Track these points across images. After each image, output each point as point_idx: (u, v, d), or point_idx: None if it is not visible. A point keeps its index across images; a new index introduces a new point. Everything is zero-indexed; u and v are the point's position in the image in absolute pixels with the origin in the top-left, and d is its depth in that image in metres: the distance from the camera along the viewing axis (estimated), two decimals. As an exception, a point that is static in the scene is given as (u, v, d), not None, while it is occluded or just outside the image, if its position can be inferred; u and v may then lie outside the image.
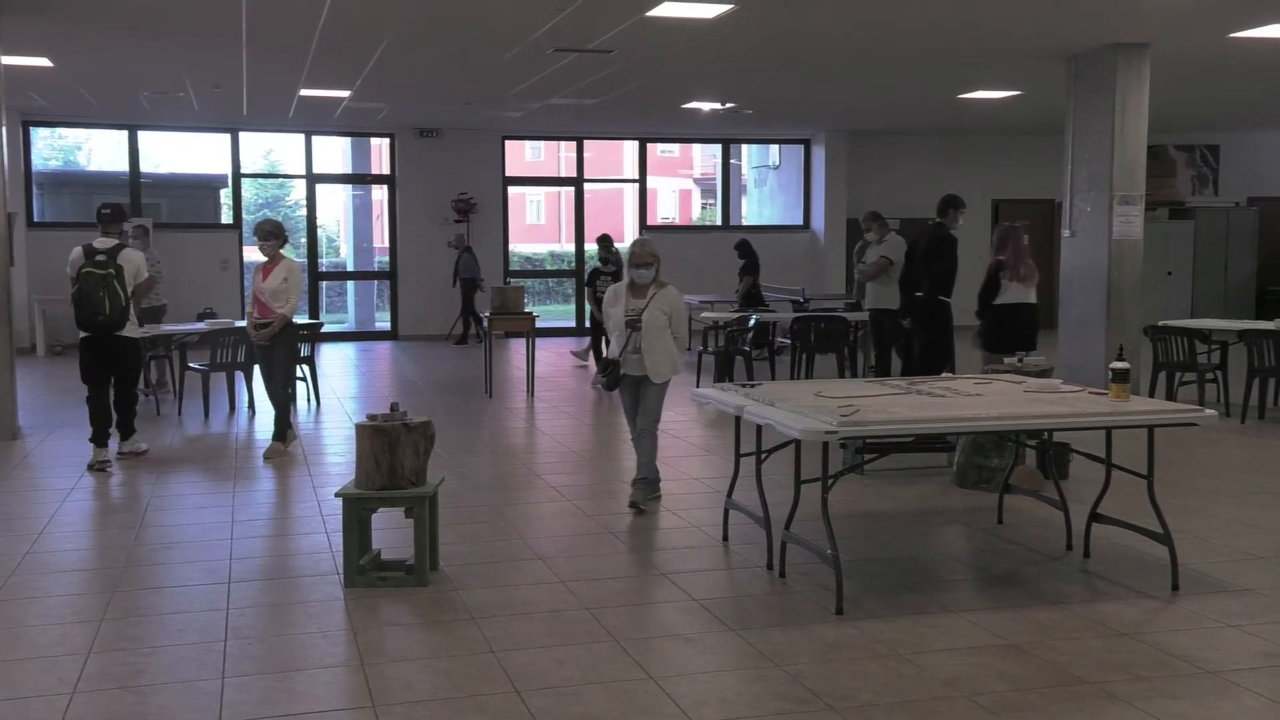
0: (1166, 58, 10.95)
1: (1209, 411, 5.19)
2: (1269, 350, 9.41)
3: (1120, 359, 5.32)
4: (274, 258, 8.11)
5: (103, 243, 7.80)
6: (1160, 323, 10.55)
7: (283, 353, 8.21)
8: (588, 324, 15.49)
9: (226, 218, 17.80)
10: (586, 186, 19.07)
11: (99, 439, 7.82)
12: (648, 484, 6.58)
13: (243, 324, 9.56)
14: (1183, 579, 5.05)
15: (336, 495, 5.26)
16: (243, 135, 17.27)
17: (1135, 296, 10.93)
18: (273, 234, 8.10)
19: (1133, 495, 5.46)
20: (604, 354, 9.62)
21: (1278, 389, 10.02)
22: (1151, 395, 9.89)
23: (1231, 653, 4.28)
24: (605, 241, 14.58)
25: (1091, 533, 5.57)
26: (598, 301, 11.55)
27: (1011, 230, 8.84)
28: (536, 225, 33.58)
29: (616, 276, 11.53)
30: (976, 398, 5.32)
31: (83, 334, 7.81)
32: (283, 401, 8.30)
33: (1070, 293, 11.39)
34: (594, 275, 12.84)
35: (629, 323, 6.36)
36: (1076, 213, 11.25)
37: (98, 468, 7.72)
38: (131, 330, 7.83)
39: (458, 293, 16.96)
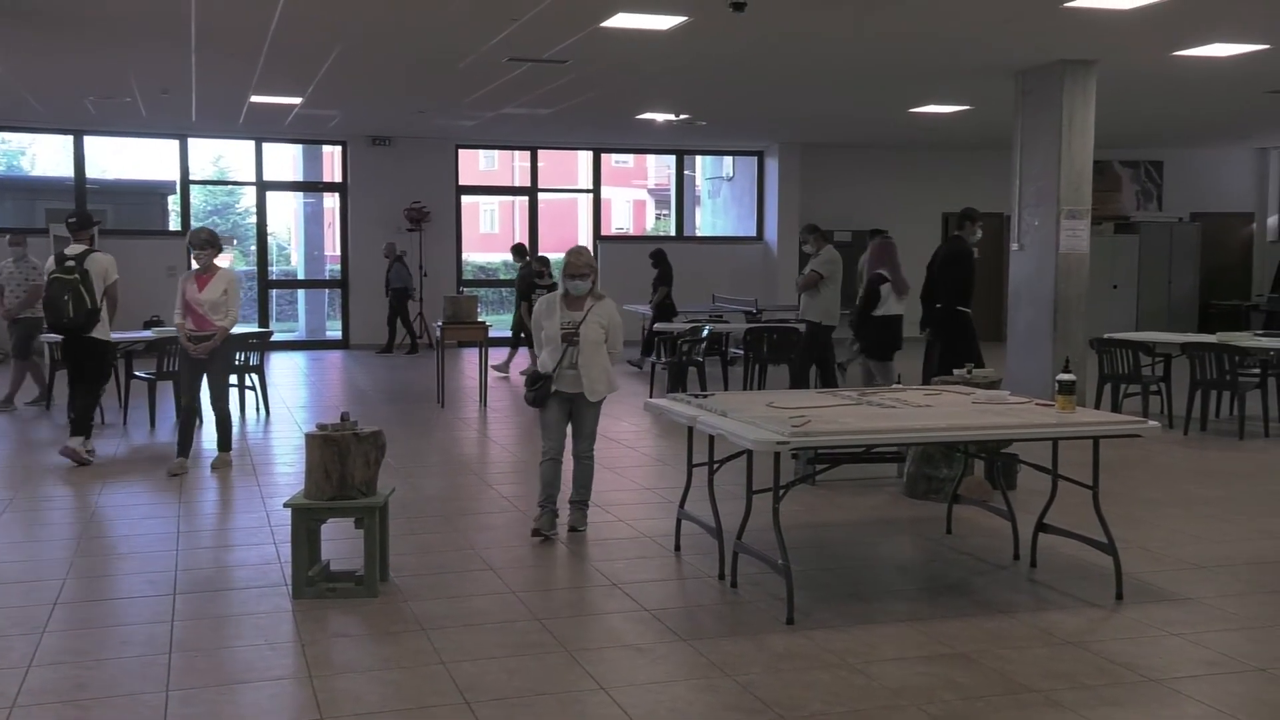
0: (1112, 75, 11.15)
1: (1152, 423, 5.27)
2: (1211, 363, 9.59)
3: (1066, 371, 5.39)
4: (209, 268, 7.89)
5: (73, 249, 8.15)
6: (1106, 335, 10.72)
7: (220, 365, 8.03)
8: (520, 335, 14.87)
9: (174, 224, 17.58)
10: (541, 196, 19.05)
11: (80, 429, 8.27)
12: (583, 506, 6.29)
13: (103, 339, 9.09)
14: (1127, 588, 5.12)
15: (285, 505, 5.21)
16: (191, 141, 17.08)
17: (1081, 309, 11.09)
18: (209, 243, 7.85)
19: (1078, 505, 5.53)
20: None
21: (1219, 401, 10.21)
22: (1097, 407, 10.03)
23: (1174, 661, 4.34)
24: (521, 250, 14.48)
25: (1038, 542, 5.64)
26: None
27: (886, 243, 9.20)
28: (490, 234, 33.49)
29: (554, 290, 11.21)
30: (926, 409, 5.37)
31: (58, 337, 8.43)
32: (224, 413, 8.10)
33: (1018, 305, 11.54)
34: (530, 287, 12.18)
35: (565, 337, 5.97)
36: (1025, 226, 11.41)
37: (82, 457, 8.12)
38: (101, 332, 8.19)
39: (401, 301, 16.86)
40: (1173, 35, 9.75)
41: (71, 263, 7.99)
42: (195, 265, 7.99)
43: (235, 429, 9.76)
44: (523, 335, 13.33)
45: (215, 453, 8.21)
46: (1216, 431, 9.65)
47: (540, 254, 12.72)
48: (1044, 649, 4.44)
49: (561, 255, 6.30)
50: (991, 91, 12.36)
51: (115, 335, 10.49)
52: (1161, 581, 5.35)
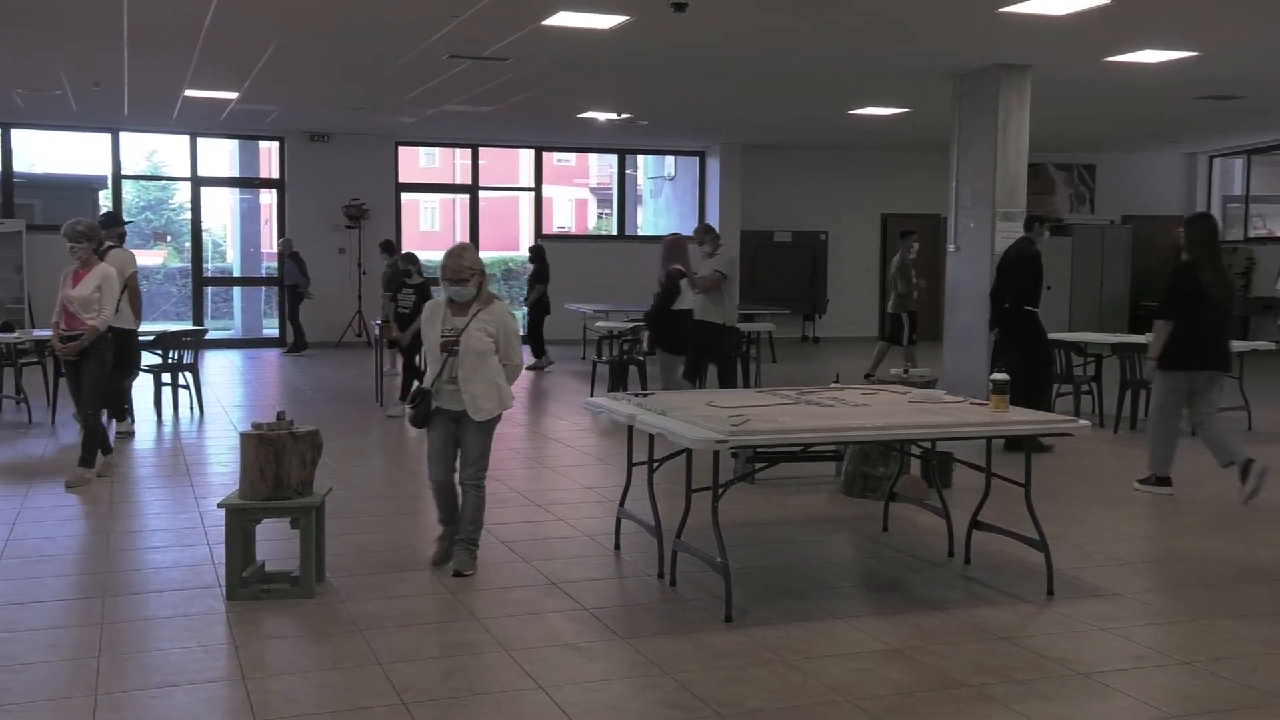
0: (1047, 79, 11.34)
1: (1083, 422, 5.37)
2: (1140, 363, 9.78)
3: (1000, 371, 5.47)
4: (87, 262, 7.29)
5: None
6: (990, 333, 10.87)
7: (92, 368, 7.29)
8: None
9: (107, 220, 17.23)
10: (482, 194, 18.96)
11: (118, 415, 9.03)
12: (472, 545, 5.48)
13: (125, 328, 9.13)
14: (1057, 584, 5.21)
15: (219, 506, 5.13)
16: (124, 135, 16.78)
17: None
18: (85, 236, 7.28)
19: (1011, 503, 5.62)
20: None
21: (1148, 400, 10.40)
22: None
23: (1102, 655, 4.43)
24: (389, 247, 14.13)
25: (972, 539, 5.72)
26: (400, 319, 10.43)
27: (678, 241, 9.48)
28: (431, 232, 33.24)
29: (423, 292, 10.35)
30: (863, 408, 5.43)
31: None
32: (92, 424, 7.39)
33: (955, 306, 11.70)
34: (398, 287, 10.80)
35: (444, 345, 5.30)
36: (961, 228, 11.57)
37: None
38: (123, 321, 8.48)
39: (351, 298, 16.68)
40: (1105, 41, 9.94)
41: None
42: (74, 261, 7.35)
43: (168, 427, 9.63)
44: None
45: (166, 447, 8.07)
46: (1145, 430, 9.83)
47: (408, 251, 11.72)
48: (977, 644, 4.51)
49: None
50: (929, 94, 12.52)
51: (38, 334, 10.36)
52: (1091, 577, 5.45)
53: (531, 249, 14.98)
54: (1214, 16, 9.07)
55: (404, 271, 10.92)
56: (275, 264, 18.21)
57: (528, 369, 14.30)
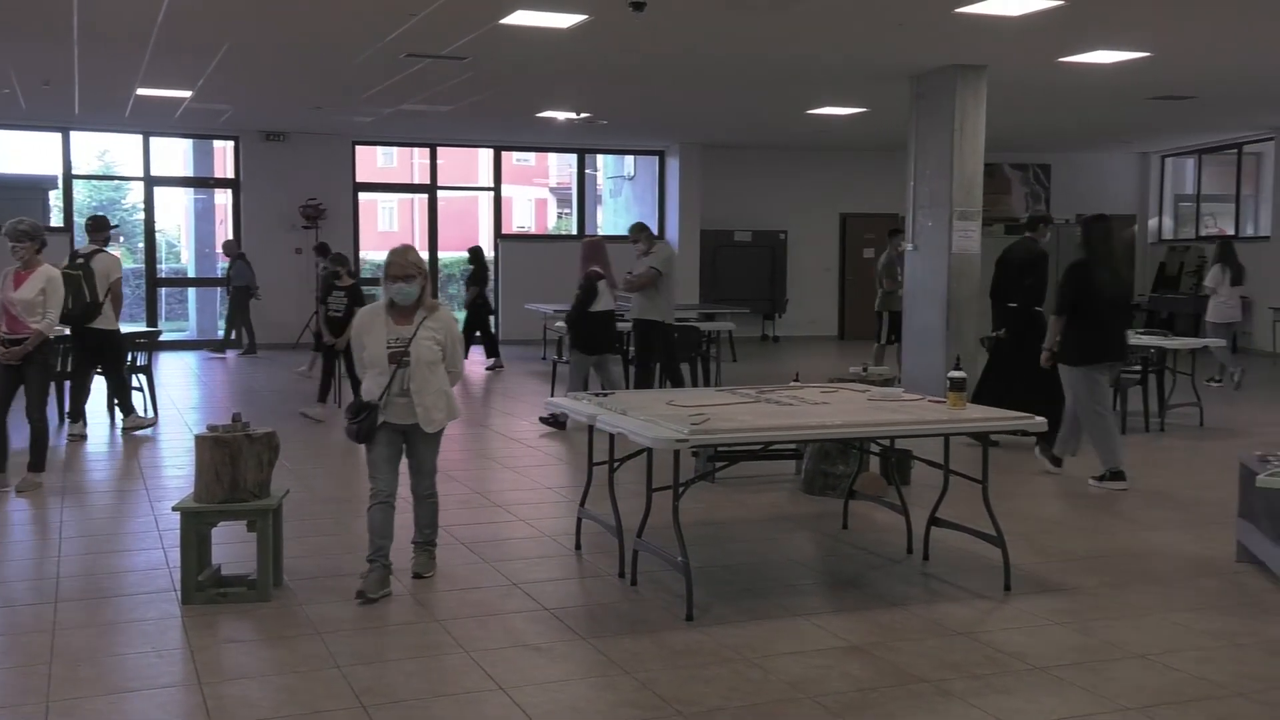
0: (1002, 80, 11.45)
1: (1039, 419, 5.42)
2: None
3: (958, 368, 5.52)
4: (29, 263, 7.12)
5: (86, 248, 9.39)
6: (995, 334, 10.97)
7: (36, 373, 7.14)
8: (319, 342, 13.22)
9: (57, 220, 17.00)
10: (440, 194, 18.87)
11: (75, 415, 9.21)
12: (431, 547, 5.41)
13: (108, 329, 9.09)
14: (1014, 579, 5.26)
15: (174, 509, 5.07)
16: (75, 135, 16.54)
17: (973, 308, 11.35)
18: (27, 235, 7.09)
19: (969, 499, 5.67)
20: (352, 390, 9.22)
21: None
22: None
23: (1058, 649, 4.47)
24: (324, 249, 13.98)
25: (930, 536, 5.76)
26: (330, 322, 10.22)
27: (597, 243, 9.64)
28: (389, 232, 33.05)
29: (354, 294, 10.12)
30: (823, 406, 5.45)
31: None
32: (40, 428, 7.20)
33: (913, 305, 11.79)
34: (328, 290, 10.46)
35: (393, 358, 5.01)
36: (918, 227, 11.65)
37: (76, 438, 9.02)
38: (104, 323, 8.97)
39: (309, 299, 16.51)
40: (1059, 42, 10.05)
41: (81, 260, 9.07)
42: (15, 261, 7.20)
43: (122, 429, 9.50)
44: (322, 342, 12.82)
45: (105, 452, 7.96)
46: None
47: (337, 252, 11.32)
48: (935, 640, 4.54)
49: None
50: (887, 94, 12.60)
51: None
52: (1047, 573, 5.51)
53: (470, 250, 14.82)
54: (1166, 18, 9.20)
55: (333, 273, 10.46)
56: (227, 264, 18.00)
57: (486, 369, 14.26)
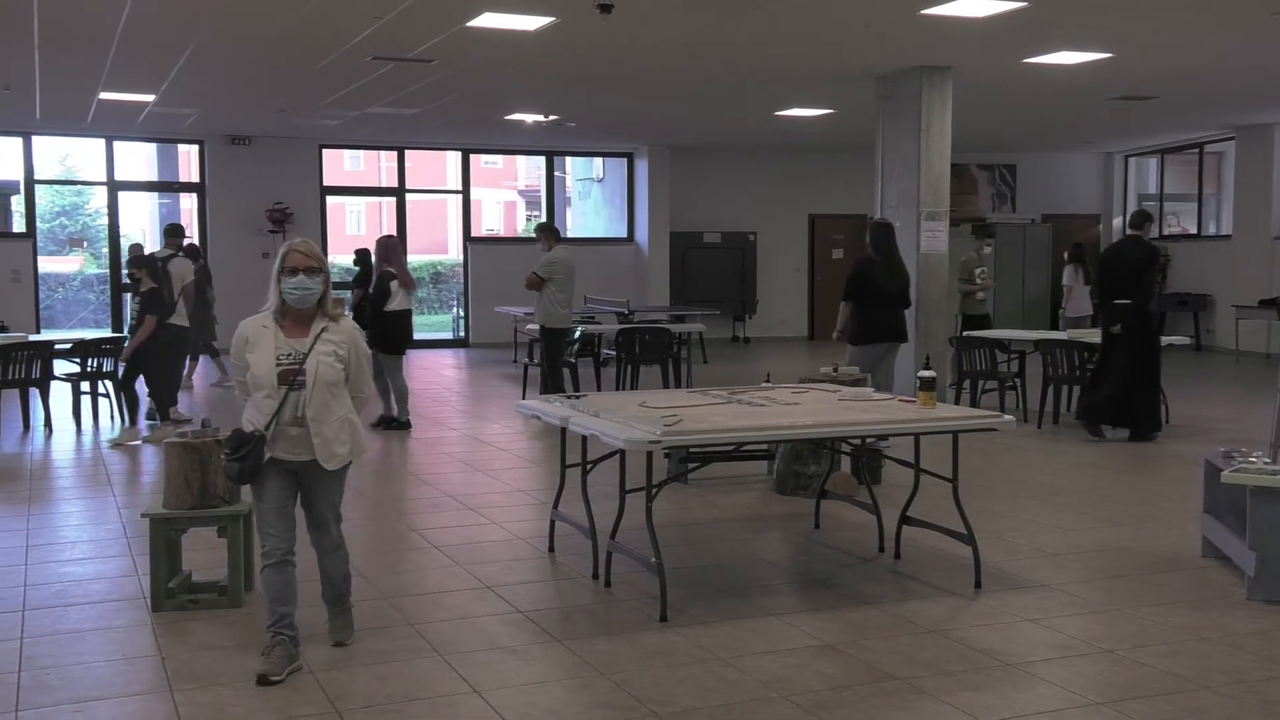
0: (968, 81, 11.54)
1: (1008, 417, 5.47)
2: (1062, 359, 10.00)
3: (927, 368, 5.56)
4: None
5: (162, 252, 10.61)
6: (964, 334, 11.07)
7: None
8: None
9: (19, 226, 16.81)
10: (408, 197, 18.80)
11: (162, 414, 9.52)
12: (344, 603, 4.50)
13: (36, 338, 9.09)
14: (985, 577, 5.31)
15: (143, 516, 5.03)
16: (36, 139, 16.37)
17: (941, 308, 11.44)
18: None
19: (940, 498, 5.71)
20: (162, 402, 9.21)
21: (1070, 396, 10.65)
22: (956, 402, 10.37)
23: (1028, 646, 4.52)
24: (194, 252, 13.56)
25: (902, 535, 5.80)
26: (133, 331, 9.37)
27: (389, 242, 9.82)
28: (357, 236, 32.85)
29: (149, 301, 9.13)
30: (794, 406, 5.48)
31: None
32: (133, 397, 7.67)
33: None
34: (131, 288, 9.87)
35: (284, 376, 4.10)
36: (886, 228, 11.70)
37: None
38: (179, 319, 9.57)
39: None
40: (1023, 43, 10.15)
41: (159, 264, 9.78)
42: None
43: (88, 437, 9.40)
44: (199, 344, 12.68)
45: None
46: (1068, 425, 10.05)
47: (138, 254, 10.88)
48: (907, 638, 4.57)
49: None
50: (853, 95, 12.67)
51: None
52: (1017, 570, 5.56)
53: (357, 251, 14.46)
54: (1127, 19, 9.30)
55: (130, 276, 9.74)
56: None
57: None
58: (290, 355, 4.13)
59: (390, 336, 9.65)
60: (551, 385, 10.41)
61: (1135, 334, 9.11)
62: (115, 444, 9.05)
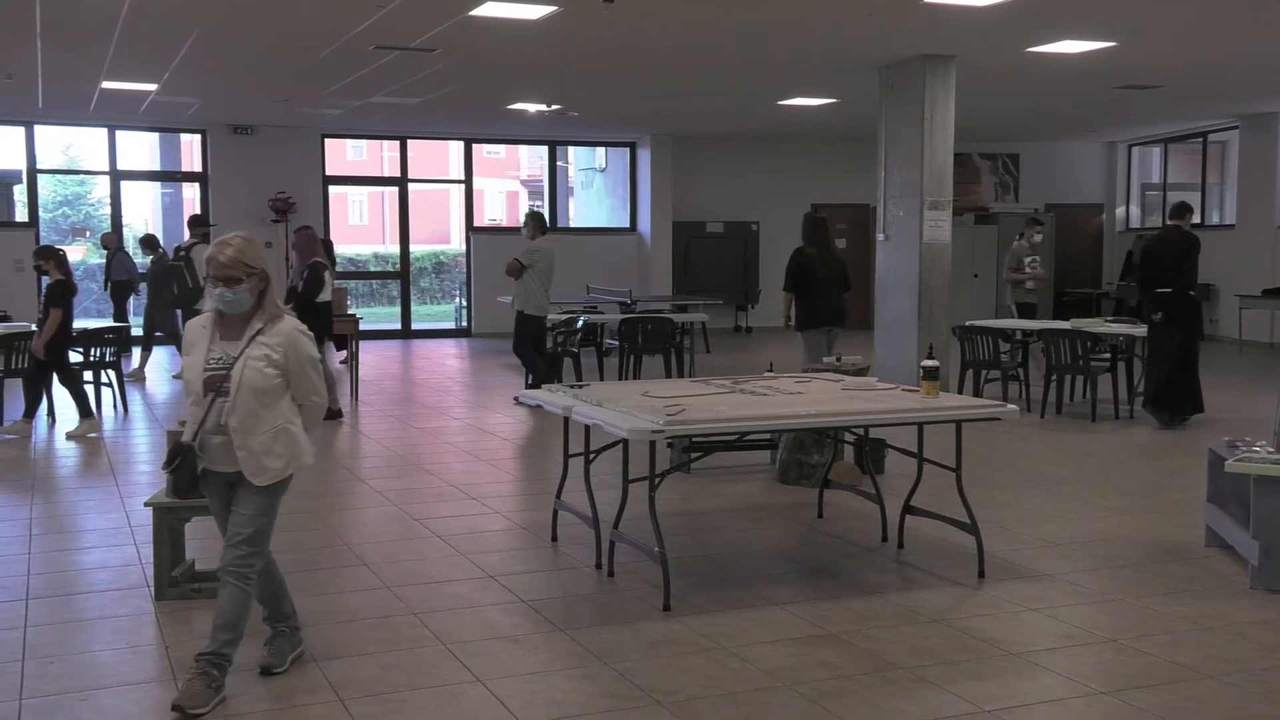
0: (971, 70, 11.50)
1: (1011, 407, 5.46)
2: (1065, 349, 9.98)
3: (930, 357, 5.55)
4: None
5: (186, 242, 11.46)
6: (967, 323, 11.06)
7: None
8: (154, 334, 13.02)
9: (21, 215, 16.80)
10: (411, 187, 18.78)
11: None
12: (219, 665, 3.81)
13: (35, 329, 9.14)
14: (988, 566, 5.30)
15: (146, 504, 5.03)
16: (38, 128, 16.35)
17: (945, 298, 11.42)
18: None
19: (943, 488, 5.71)
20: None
21: (1073, 386, 10.65)
22: (960, 392, 10.36)
23: (1032, 635, 4.52)
24: (151, 242, 13.15)
25: (905, 524, 5.80)
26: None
27: (310, 234, 10.08)
28: (360, 226, 32.85)
29: (55, 295, 8.81)
30: (797, 395, 5.47)
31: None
32: None
33: (885, 294, 11.84)
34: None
35: (210, 383, 3.82)
36: (890, 217, 11.69)
37: None
38: (206, 306, 9.64)
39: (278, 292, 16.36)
40: (1026, 32, 10.11)
41: (183, 252, 10.84)
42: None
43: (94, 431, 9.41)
44: (157, 335, 12.78)
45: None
46: (1071, 414, 10.05)
47: (45, 245, 10.47)
48: (911, 627, 4.57)
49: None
50: (856, 85, 12.63)
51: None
52: (1020, 559, 5.56)
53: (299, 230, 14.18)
54: (1131, 8, 9.26)
55: (37, 268, 9.38)
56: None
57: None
58: (220, 360, 3.83)
59: (319, 324, 9.71)
60: (532, 370, 10.51)
61: (1181, 320, 9.28)
62: (73, 436, 8.94)
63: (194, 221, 11.84)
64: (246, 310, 3.87)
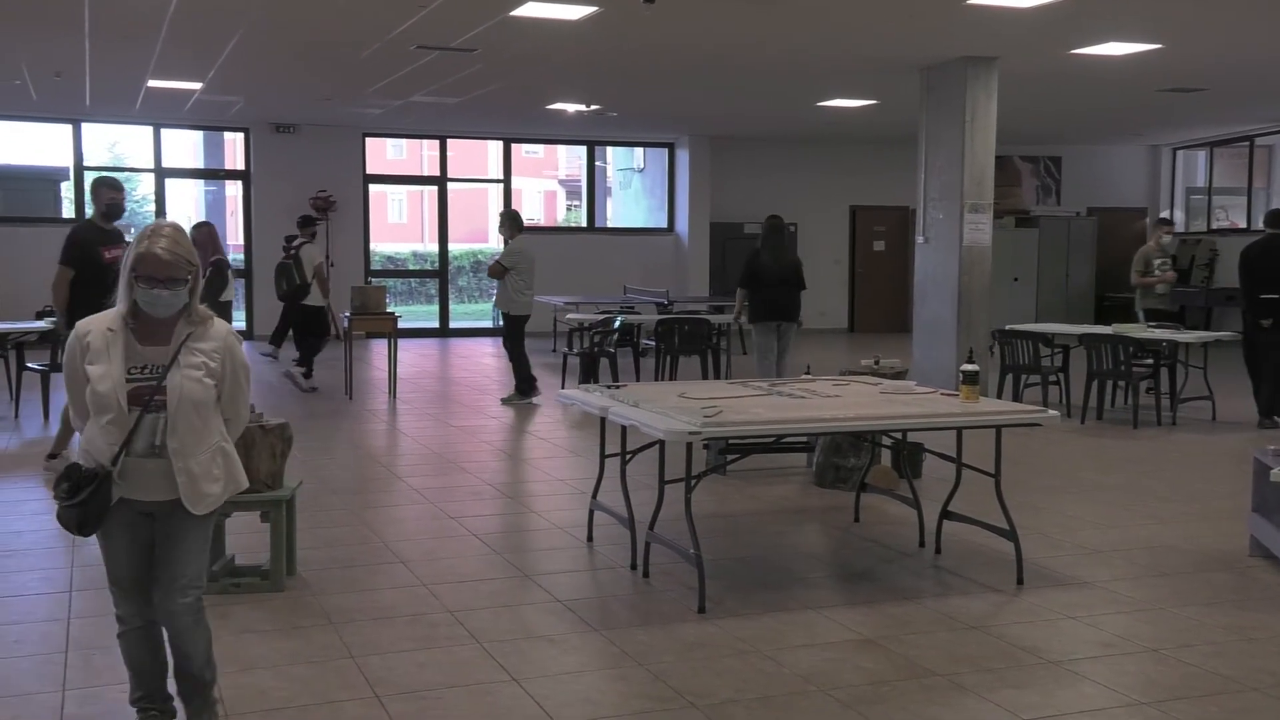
0: (1013, 72, 11.40)
1: (1052, 412, 5.41)
2: (1106, 354, 9.88)
3: (970, 361, 5.51)
4: None
5: (296, 241, 11.80)
6: (1007, 327, 10.97)
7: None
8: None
9: (68, 212, 17.04)
10: (450, 186, 18.87)
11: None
12: (206, 695, 3.49)
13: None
14: (1027, 573, 5.26)
15: (187, 500, 5.07)
16: (85, 126, 16.57)
17: (984, 301, 11.33)
18: None
19: (981, 493, 5.66)
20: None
21: (1115, 391, 10.53)
22: (999, 396, 10.28)
23: (1071, 643, 4.47)
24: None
25: (942, 530, 5.76)
26: None
27: (210, 231, 10.35)
28: (399, 224, 33.06)
29: None
30: (835, 399, 5.44)
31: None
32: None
33: (924, 297, 11.76)
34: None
35: (137, 396, 3.22)
36: (929, 220, 11.62)
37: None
38: (312, 300, 11.36)
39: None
40: (1070, 34, 10.01)
41: (292, 250, 11.39)
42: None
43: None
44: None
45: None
46: (1112, 420, 9.94)
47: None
48: (948, 633, 4.54)
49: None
50: (897, 87, 12.56)
51: (5, 326, 10.25)
52: (1060, 566, 5.50)
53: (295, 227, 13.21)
54: (1177, 10, 9.15)
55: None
56: (241, 255, 17.96)
57: (264, 354, 13.93)
58: (145, 369, 3.24)
59: (323, 329, 10.00)
60: (519, 368, 10.65)
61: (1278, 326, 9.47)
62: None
63: (304, 222, 12.20)
64: (177, 309, 3.29)
